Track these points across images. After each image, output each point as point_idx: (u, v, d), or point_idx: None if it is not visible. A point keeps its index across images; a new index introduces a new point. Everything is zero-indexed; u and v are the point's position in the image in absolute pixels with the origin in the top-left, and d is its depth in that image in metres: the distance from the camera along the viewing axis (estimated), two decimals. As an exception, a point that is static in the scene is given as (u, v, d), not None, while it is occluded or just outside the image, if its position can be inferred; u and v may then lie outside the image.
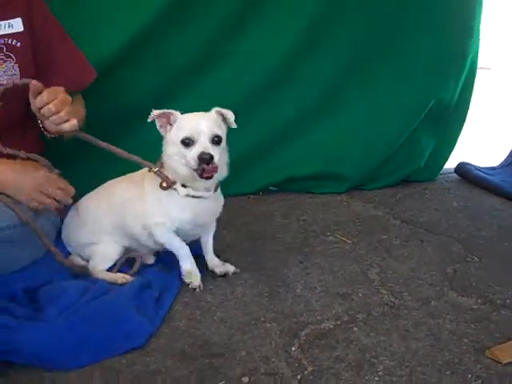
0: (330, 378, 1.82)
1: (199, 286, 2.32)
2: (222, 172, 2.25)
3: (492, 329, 2.08)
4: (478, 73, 3.65)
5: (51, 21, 2.52)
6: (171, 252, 2.37)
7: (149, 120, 2.19)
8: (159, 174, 2.27)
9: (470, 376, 1.82)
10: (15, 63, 2.35)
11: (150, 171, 2.31)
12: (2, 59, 2.33)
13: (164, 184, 2.25)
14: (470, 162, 3.85)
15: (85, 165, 2.91)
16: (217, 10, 3.07)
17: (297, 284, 2.40)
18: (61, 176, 2.34)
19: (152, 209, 2.30)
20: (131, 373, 1.85)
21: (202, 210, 2.31)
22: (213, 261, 2.47)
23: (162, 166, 2.29)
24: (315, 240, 2.84)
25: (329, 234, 2.91)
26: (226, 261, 2.50)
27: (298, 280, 2.43)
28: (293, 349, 1.96)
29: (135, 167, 2.39)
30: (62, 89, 2.22)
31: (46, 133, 2.29)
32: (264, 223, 3.05)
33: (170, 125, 2.21)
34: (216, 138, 2.16)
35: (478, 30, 3.48)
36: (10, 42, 2.35)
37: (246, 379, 1.81)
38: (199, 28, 3.08)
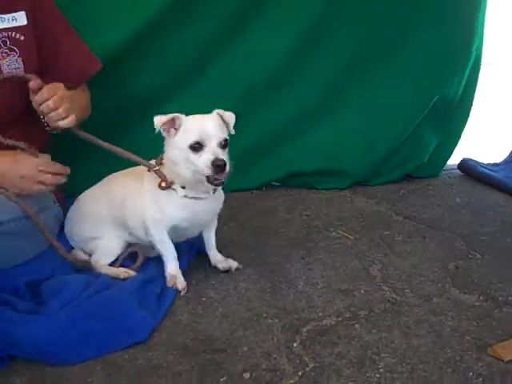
0: (332, 374, 1.82)
1: (183, 289, 2.30)
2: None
3: (494, 326, 2.08)
4: (482, 68, 3.64)
5: (56, 14, 2.52)
6: (175, 245, 2.36)
7: (156, 129, 2.15)
8: (158, 173, 2.26)
9: (471, 374, 1.83)
10: (19, 57, 2.35)
11: (149, 171, 2.30)
12: (6, 53, 2.33)
13: (163, 184, 2.24)
14: (474, 158, 3.83)
15: (84, 162, 2.90)
16: (217, 10, 3.06)
17: (299, 280, 2.40)
18: (48, 160, 2.32)
19: (149, 207, 2.29)
20: (133, 367, 1.86)
21: (200, 210, 2.30)
22: (215, 256, 2.47)
23: (161, 163, 2.28)
24: (318, 235, 2.84)
25: (331, 229, 2.91)
26: (228, 256, 2.50)
27: (300, 276, 2.43)
28: (294, 345, 1.97)
29: (135, 164, 2.39)
30: (61, 85, 2.24)
31: (47, 128, 2.29)
32: (267, 218, 3.05)
33: (175, 129, 2.17)
34: (224, 142, 2.14)
35: (483, 26, 3.46)
36: (13, 35, 2.34)
37: (247, 375, 1.82)
38: (199, 28, 3.06)
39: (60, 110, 2.18)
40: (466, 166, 3.75)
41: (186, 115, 2.19)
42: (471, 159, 3.81)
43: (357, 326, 2.08)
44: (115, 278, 2.28)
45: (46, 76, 2.44)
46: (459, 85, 3.48)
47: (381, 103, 3.39)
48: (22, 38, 2.36)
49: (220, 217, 2.49)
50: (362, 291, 2.32)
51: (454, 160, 3.80)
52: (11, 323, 1.92)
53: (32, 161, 2.24)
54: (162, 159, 2.28)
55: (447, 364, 1.87)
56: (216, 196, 2.33)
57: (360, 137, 3.43)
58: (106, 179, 2.51)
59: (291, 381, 1.79)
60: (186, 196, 2.24)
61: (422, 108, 3.42)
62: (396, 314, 2.15)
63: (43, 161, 2.26)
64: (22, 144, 2.23)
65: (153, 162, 2.31)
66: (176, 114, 2.16)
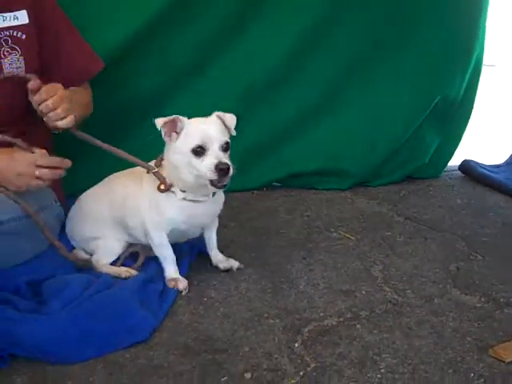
0: (333, 374, 1.82)
1: (185, 289, 2.29)
2: None
3: (495, 327, 2.08)
4: (483, 70, 3.64)
5: (58, 12, 2.53)
6: (174, 247, 2.36)
7: (158, 128, 2.15)
8: (157, 175, 2.25)
9: (472, 375, 1.82)
10: (20, 55, 2.35)
11: (148, 173, 2.29)
12: (8, 51, 2.33)
13: (162, 186, 2.23)
14: (474, 160, 3.84)
15: (85, 161, 2.89)
16: (217, 10, 3.06)
17: (300, 280, 2.40)
18: (45, 154, 2.28)
19: (148, 209, 2.29)
20: (135, 367, 1.86)
21: (199, 213, 2.30)
22: (217, 256, 2.47)
23: (160, 165, 2.27)
24: (319, 236, 2.83)
25: (332, 230, 2.91)
26: (229, 256, 2.49)
27: (302, 276, 2.43)
28: (296, 345, 1.97)
29: (135, 164, 2.38)
30: (60, 86, 2.24)
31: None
32: (268, 219, 3.05)
33: (176, 132, 2.16)
34: (225, 145, 2.14)
35: (484, 27, 3.47)
36: (15, 34, 2.35)
37: (248, 375, 1.82)
38: (199, 28, 3.07)
39: (59, 110, 2.18)
40: (467, 168, 3.76)
41: (188, 117, 2.18)
42: (472, 160, 3.82)
43: (358, 326, 2.08)
44: (116, 278, 2.28)
45: (48, 75, 2.45)
46: (460, 85, 3.49)
47: (382, 103, 3.39)
48: (24, 36, 2.36)
49: (221, 217, 2.48)
50: (364, 292, 2.31)
51: (455, 161, 3.81)
52: (12, 322, 1.92)
53: (28, 157, 2.21)
54: (161, 160, 2.27)
55: (448, 365, 1.87)
56: (216, 198, 2.32)
57: (361, 137, 3.44)
58: (107, 179, 2.51)
59: (292, 381, 1.79)
60: (184, 199, 2.24)
61: (423, 109, 3.43)
62: (397, 315, 2.15)
63: (40, 156, 2.23)
64: (18, 141, 2.22)
65: (152, 163, 2.30)
66: (177, 116, 2.14)
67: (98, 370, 1.84)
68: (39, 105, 2.18)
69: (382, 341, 1.99)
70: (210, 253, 2.48)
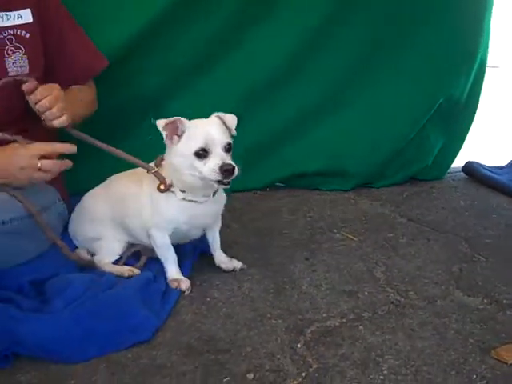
0: (335, 375, 1.82)
1: (187, 289, 2.29)
2: None
3: (498, 329, 2.08)
4: (486, 71, 3.64)
5: (62, 11, 2.54)
6: (177, 248, 2.37)
7: (160, 131, 2.14)
8: (157, 175, 2.25)
9: (475, 376, 1.82)
10: (24, 54, 2.35)
11: (148, 173, 2.28)
12: (12, 50, 2.33)
13: (162, 187, 2.23)
14: (478, 161, 3.84)
15: (86, 161, 2.89)
16: (220, 9, 3.06)
17: (303, 281, 2.40)
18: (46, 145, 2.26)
19: (148, 210, 2.28)
20: (137, 366, 1.86)
21: (200, 214, 2.29)
22: (220, 257, 2.47)
23: (160, 165, 2.27)
24: (322, 237, 2.83)
25: (335, 231, 2.91)
26: (232, 257, 2.49)
27: (304, 277, 2.43)
28: (298, 346, 1.96)
29: (134, 165, 2.38)
30: (56, 86, 2.25)
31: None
32: (271, 219, 3.05)
33: (177, 135, 2.14)
34: (228, 146, 2.13)
35: (488, 28, 3.47)
36: (18, 32, 2.35)
37: (251, 375, 1.82)
38: (203, 27, 3.07)
39: (54, 110, 2.20)
40: (470, 169, 3.76)
41: (189, 118, 2.17)
42: (475, 162, 3.82)
43: (361, 327, 2.08)
44: (119, 277, 2.28)
45: (52, 73, 2.46)
46: (464, 87, 3.49)
47: (385, 104, 3.39)
48: (28, 35, 2.37)
49: (224, 217, 2.49)
50: (366, 293, 2.31)
51: (459, 163, 3.80)
52: (15, 321, 1.92)
53: (30, 149, 2.20)
54: (161, 160, 2.27)
55: (451, 366, 1.87)
56: (216, 198, 2.31)
57: (364, 138, 3.43)
58: (108, 180, 2.51)
59: (295, 382, 1.79)
60: (184, 199, 2.23)
61: (427, 109, 3.43)
62: (400, 316, 2.15)
63: (41, 147, 2.21)
64: (18, 138, 2.22)
65: (152, 164, 2.30)
66: (179, 118, 2.13)
67: (100, 369, 1.85)
68: (35, 105, 2.20)
69: (384, 342, 1.99)
70: (213, 253, 2.47)
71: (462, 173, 3.79)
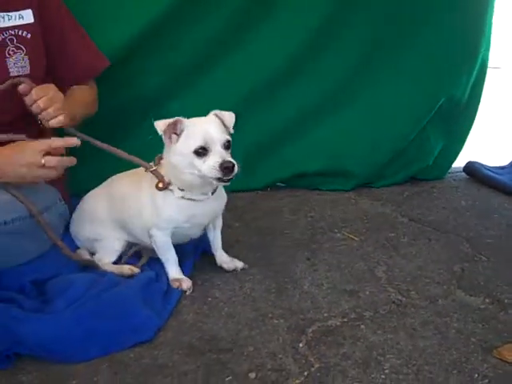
0: (337, 374, 1.82)
1: (189, 288, 2.29)
2: None
3: (499, 328, 2.08)
4: (488, 72, 3.64)
5: (63, 10, 2.54)
6: (178, 247, 2.37)
7: (159, 133, 2.13)
8: (155, 173, 2.24)
9: (476, 375, 1.82)
10: (25, 55, 2.36)
11: (146, 171, 2.28)
12: (13, 51, 2.33)
13: (160, 185, 2.22)
14: (479, 161, 3.84)
15: (87, 161, 2.88)
16: (221, 9, 3.06)
17: (304, 280, 2.40)
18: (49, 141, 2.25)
19: (149, 209, 2.28)
20: (139, 366, 1.86)
21: (198, 213, 2.29)
22: (222, 257, 2.47)
23: (159, 164, 2.27)
24: (323, 237, 2.83)
25: (336, 230, 2.91)
26: (234, 256, 2.49)
27: (306, 276, 2.43)
28: (300, 345, 1.97)
29: (134, 164, 2.37)
30: (52, 86, 2.25)
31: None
32: (272, 219, 3.05)
33: (176, 134, 2.14)
34: (227, 143, 2.13)
35: (490, 28, 3.47)
36: (20, 33, 2.35)
37: (252, 375, 1.82)
38: (204, 27, 3.07)
39: (50, 110, 2.20)
40: (472, 169, 3.75)
41: (189, 117, 2.17)
42: (477, 162, 3.81)
43: (362, 326, 2.08)
44: (121, 275, 2.29)
45: (53, 73, 2.46)
46: (466, 87, 3.48)
47: (386, 104, 3.38)
48: (29, 36, 2.37)
49: (225, 217, 2.49)
50: (368, 292, 2.31)
51: (460, 163, 3.80)
52: (17, 321, 1.92)
53: (34, 146, 2.19)
54: (160, 159, 2.27)
55: (453, 366, 1.87)
56: (215, 197, 2.30)
57: (365, 138, 3.43)
58: (110, 180, 2.51)
59: (297, 381, 1.79)
60: (183, 197, 2.23)
61: (428, 110, 3.42)
62: (401, 316, 2.15)
63: (44, 142, 2.20)
64: (22, 136, 2.23)
65: (152, 164, 2.30)
66: (178, 118, 2.13)
67: (102, 369, 1.85)
68: (31, 106, 2.21)
69: (386, 341, 1.99)
70: (214, 253, 2.47)
71: (463, 173, 3.79)
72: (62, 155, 2.23)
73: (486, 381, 1.80)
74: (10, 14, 2.33)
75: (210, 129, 2.12)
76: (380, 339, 2.00)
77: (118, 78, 2.89)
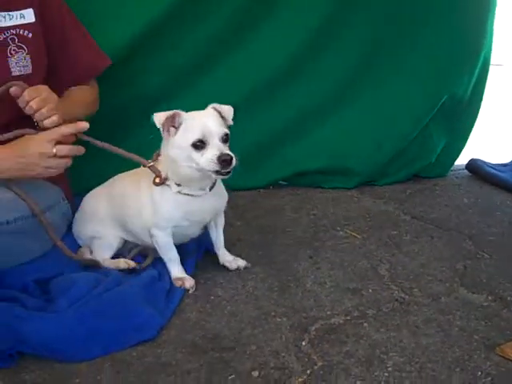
0: (340, 373, 1.82)
1: (192, 287, 2.29)
2: None
3: (502, 326, 2.07)
4: (490, 69, 3.63)
5: (64, 10, 2.54)
6: (181, 246, 2.37)
7: (157, 126, 2.13)
8: (152, 169, 2.24)
9: (479, 373, 1.82)
10: (27, 54, 2.36)
11: (143, 167, 2.28)
12: (14, 50, 2.34)
13: (157, 180, 2.22)
14: (481, 159, 3.83)
15: (88, 161, 2.89)
16: (223, 8, 3.06)
17: (307, 279, 2.40)
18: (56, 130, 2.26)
19: (149, 209, 2.28)
20: (142, 365, 1.86)
21: (196, 208, 2.27)
22: (224, 256, 2.47)
23: (156, 160, 2.26)
24: (325, 235, 2.83)
25: (339, 228, 2.90)
26: (236, 254, 2.49)
27: (308, 275, 2.43)
28: (303, 343, 1.96)
29: (136, 164, 2.37)
30: (44, 87, 2.25)
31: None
32: (274, 217, 3.05)
33: (174, 127, 2.14)
34: (225, 137, 2.12)
35: (492, 26, 3.46)
36: (21, 32, 2.35)
37: (255, 373, 1.82)
38: (205, 27, 3.07)
39: (43, 111, 2.19)
40: (474, 166, 3.75)
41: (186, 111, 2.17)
42: (479, 159, 3.81)
43: (365, 324, 2.08)
44: (117, 269, 2.31)
45: (54, 73, 2.46)
46: (468, 84, 3.48)
47: (388, 102, 3.39)
48: (30, 35, 2.37)
49: (227, 215, 2.49)
50: (370, 290, 2.31)
51: (462, 160, 3.80)
52: (20, 320, 1.92)
53: (44, 136, 2.20)
54: (157, 155, 2.26)
55: (456, 363, 1.86)
56: (214, 194, 2.29)
57: (367, 136, 3.43)
58: (111, 179, 2.51)
59: (300, 379, 1.79)
60: (179, 192, 2.22)
61: (431, 107, 3.42)
62: (404, 313, 2.15)
63: (55, 131, 2.20)
64: (29, 130, 2.23)
65: (150, 160, 2.29)
66: (176, 111, 2.13)
67: (105, 368, 1.85)
68: (24, 107, 2.21)
69: (389, 339, 1.99)
70: (217, 252, 2.47)
71: (465, 170, 3.78)
72: (73, 143, 2.24)
73: (489, 378, 1.80)
74: (12, 13, 2.33)
75: (208, 122, 2.12)
76: (383, 337, 2.00)
77: (119, 77, 2.89)
